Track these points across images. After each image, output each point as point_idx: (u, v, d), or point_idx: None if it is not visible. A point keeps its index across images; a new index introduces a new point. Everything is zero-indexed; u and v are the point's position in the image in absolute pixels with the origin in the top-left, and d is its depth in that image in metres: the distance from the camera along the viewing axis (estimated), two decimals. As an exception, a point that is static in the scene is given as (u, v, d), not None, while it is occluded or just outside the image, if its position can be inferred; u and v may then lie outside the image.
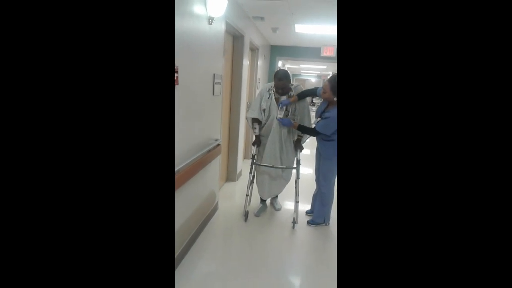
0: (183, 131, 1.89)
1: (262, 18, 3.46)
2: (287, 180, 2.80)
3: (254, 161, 2.67)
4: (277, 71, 2.59)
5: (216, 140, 2.59)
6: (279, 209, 2.98)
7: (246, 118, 2.76)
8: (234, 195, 3.36)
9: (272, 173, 2.72)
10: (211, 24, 2.14)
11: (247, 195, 2.71)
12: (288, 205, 3.09)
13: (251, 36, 3.72)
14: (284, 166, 2.67)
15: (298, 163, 2.67)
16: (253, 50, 4.29)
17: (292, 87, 2.61)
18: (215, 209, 2.82)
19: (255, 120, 2.69)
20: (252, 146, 2.76)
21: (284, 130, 2.62)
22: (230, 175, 3.73)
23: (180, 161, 1.85)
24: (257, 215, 2.81)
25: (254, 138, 2.76)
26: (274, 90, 2.60)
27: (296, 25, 3.80)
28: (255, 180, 2.80)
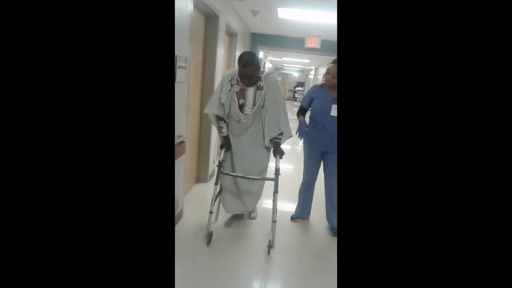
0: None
1: (240, -3, 3.03)
2: (258, 196, 2.34)
3: (222, 169, 2.15)
4: (242, 54, 1.94)
5: (180, 136, 2.16)
6: (254, 218, 2.58)
7: (206, 115, 2.16)
8: (205, 198, 2.93)
9: (241, 185, 2.25)
10: (170, -9, 1.69)
11: (211, 212, 2.11)
12: (267, 213, 2.71)
13: (228, 18, 3.28)
14: (259, 177, 2.17)
15: (277, 172, 2.03)
16: (231, 35, 3.85)
17: (263, 76, 2.03)
18: (178, 217, 2.39)
19: (220, 118, 2.15)
20: (220, 150, 2.24)
21: (250, 131, 2.12)
22: (201, 175, 3.31)
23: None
24: (227, 225, 2.40)
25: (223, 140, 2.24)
26: (239, 79, 2.02)
27: (279, 9, 3.39)
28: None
